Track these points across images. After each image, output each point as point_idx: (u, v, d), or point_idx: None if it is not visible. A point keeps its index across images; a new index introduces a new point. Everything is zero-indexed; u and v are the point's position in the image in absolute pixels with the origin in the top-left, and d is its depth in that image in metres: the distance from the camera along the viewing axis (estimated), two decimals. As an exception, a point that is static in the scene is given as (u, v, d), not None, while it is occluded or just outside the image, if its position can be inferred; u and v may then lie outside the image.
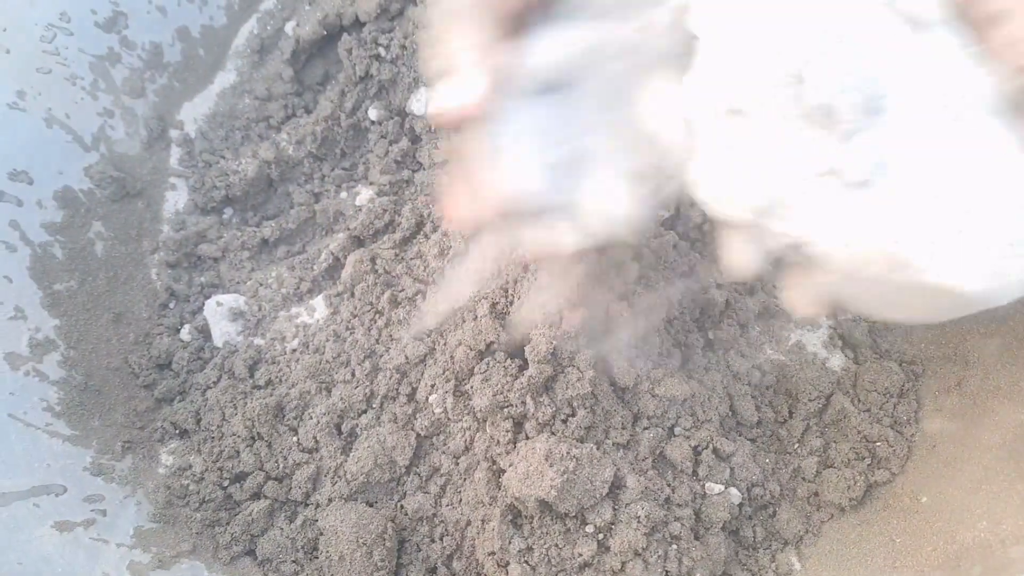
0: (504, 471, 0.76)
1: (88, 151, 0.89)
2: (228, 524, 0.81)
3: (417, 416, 0.83)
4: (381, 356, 0.87)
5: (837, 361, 0.88)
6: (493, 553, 0.75)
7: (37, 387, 0.79)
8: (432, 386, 0.82)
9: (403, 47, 0.99)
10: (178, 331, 0.92)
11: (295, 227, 1.00)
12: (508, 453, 0.77)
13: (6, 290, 0.80)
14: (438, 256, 0.88)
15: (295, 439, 0.84)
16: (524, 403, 0.77)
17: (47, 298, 0.83)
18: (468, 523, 0.80)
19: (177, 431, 0.86)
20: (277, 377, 0.88)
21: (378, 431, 0.84)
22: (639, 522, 0.73)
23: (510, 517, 0.76)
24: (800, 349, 0.89)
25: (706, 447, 0.81)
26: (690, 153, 0.54)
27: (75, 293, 0.85)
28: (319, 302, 0.94)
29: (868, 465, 0.81)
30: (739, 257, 0.55)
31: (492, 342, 0.80)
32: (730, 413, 0.85)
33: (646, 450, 0.79)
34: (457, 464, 0.82)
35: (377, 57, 0.99)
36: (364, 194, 0.98)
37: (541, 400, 0.77)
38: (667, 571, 0.72)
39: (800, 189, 0.49)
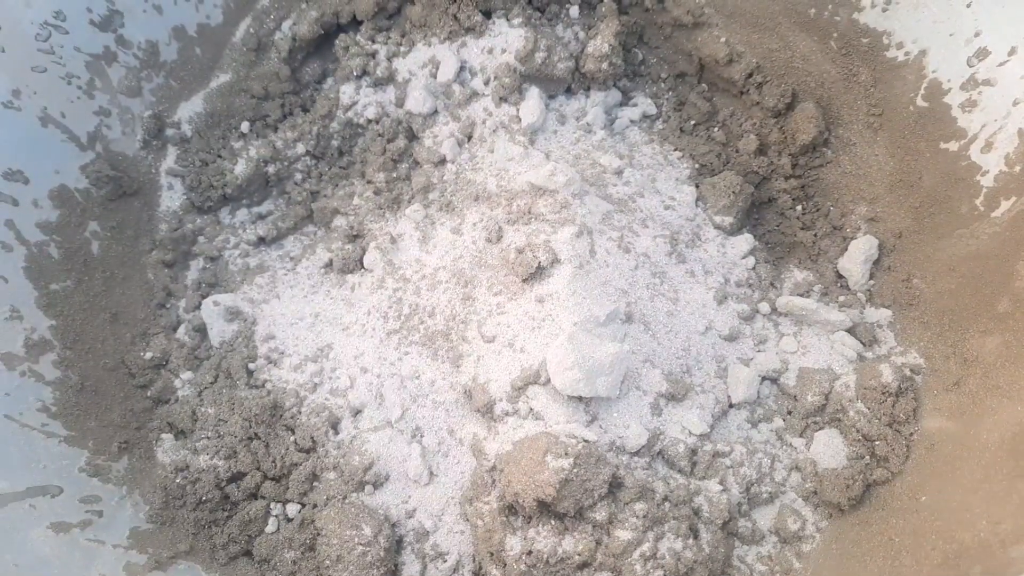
0: (502, 469, 0.76)
1: (84, 150, 0.89)
2: (225, 524, 0.81)
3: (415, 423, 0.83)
4: (381, 358, 0.87)
5: (837, 359, 0.87)
6: (492, 553, 0.75)
7: (33, 388, 0.79)
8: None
9: (400, 45, 0.98)
10: (175, 331, 0.92)
11: (292, 225, 1.00)
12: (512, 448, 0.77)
13: (2, 290, 0.79)
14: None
15: (292, 439, 0.83)
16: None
17: (43, 298, 0.82)
18: (466, 520, 0.79)
19: (174, 431, 0.86)
20: (274, 377, 0.88)
21: (375, 432, 0.83)
22: (637, 521, 0.73)
23: (508, 516, 0.76)
24: (800, 347, 0.89)
25: (704, 446, 0.81)
26: None
27: (71, 293, 0.85)
28: (318, 301, 0.93)
29: (867, 464, 0.81)
30: None
31: None
32: (729, 411, 0.85)
33: (645, 449, 0.79)
34: (457, 463, 0.81)
35: (374, 55, 0.99)
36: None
37: None
38: (665, 570, 0.72)
39: None
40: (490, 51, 0.96)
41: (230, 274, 0.96)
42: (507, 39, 0.96)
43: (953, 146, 0.87)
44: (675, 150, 1.01)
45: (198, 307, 0.92)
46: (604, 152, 0.96)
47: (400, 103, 0.98)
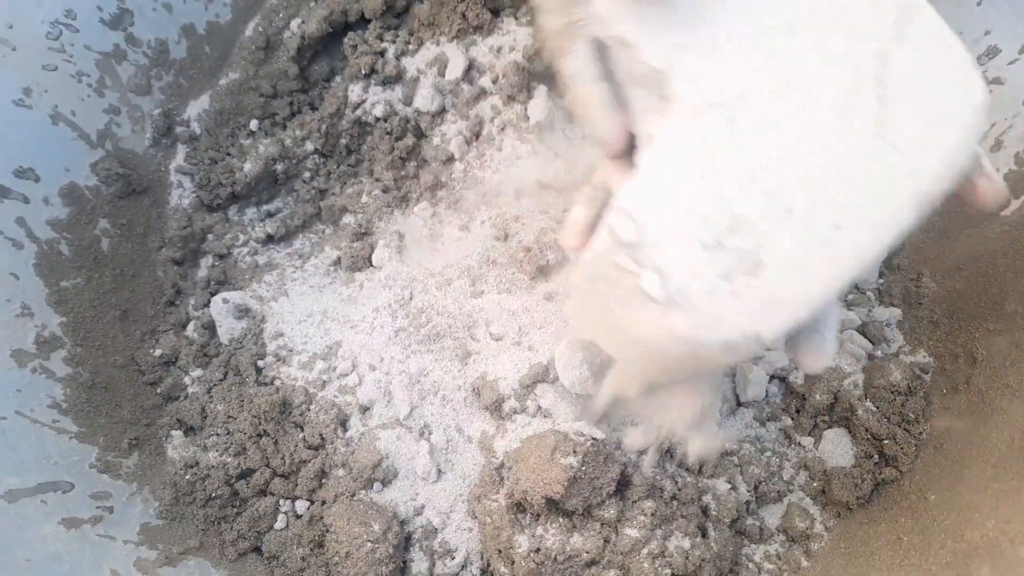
0: (510, 466, 0.76)
1: (94, 148, 0.89)
2: (234, 521, 0.81)
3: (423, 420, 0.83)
4: (389, 356, 0.87)
5: (846, 358, 0.87)
6: (500, 550, 0.75)
7: (44, 384, 0.79)
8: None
9: (408, 43, 0.99)
10: (184, 328, 0.92)
11: (301, 223, 1.00)
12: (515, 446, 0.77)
13: (13, 287, 0.80)
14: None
15: (301, 436, 0.84)
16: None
17: (53, 295, 0.83)
18: (474, 517, 0.80)
19: (183, 428, 0.86)
20: (283, 374, 0.88)
21: (383, 429, 0.84)
22: (646, 519, 0.73)
23: (517, 514, 0.76)
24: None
25: (713, 445, 0.81)
26: None
27: (81, 290, 0.85)
28: (326, 298, 0.94)
29: (875, 463, 0.81)
30: None
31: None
32: (737, 409, 0.85)
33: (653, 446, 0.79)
34: (465, 460, 0.82)
35: (382, 54, 0.99)
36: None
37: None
38: (673, 568, 0.72)
39: None
40: (498, 49, 0.96)
41: (239, 272, 0.96)
42: (515, 37, 0.96)
43: (962, 145, 0.87)
44: (683, 148, 1.01)
45: (207, 304, 0.93)
46: (612, 150, 0.96)
47: (408, 101, 0.98)
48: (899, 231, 0.51)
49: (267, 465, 0.83)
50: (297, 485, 0.82)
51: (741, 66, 0.54)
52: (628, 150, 0.59)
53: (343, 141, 1.01)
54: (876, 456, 0.81)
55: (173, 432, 0.86)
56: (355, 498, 0.80)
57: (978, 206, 0.59)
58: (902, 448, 0.80)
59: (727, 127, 0.52)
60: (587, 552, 0.72)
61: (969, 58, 0.54)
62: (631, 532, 0.72)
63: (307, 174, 1.01)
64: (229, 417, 0.84)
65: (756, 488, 0.81)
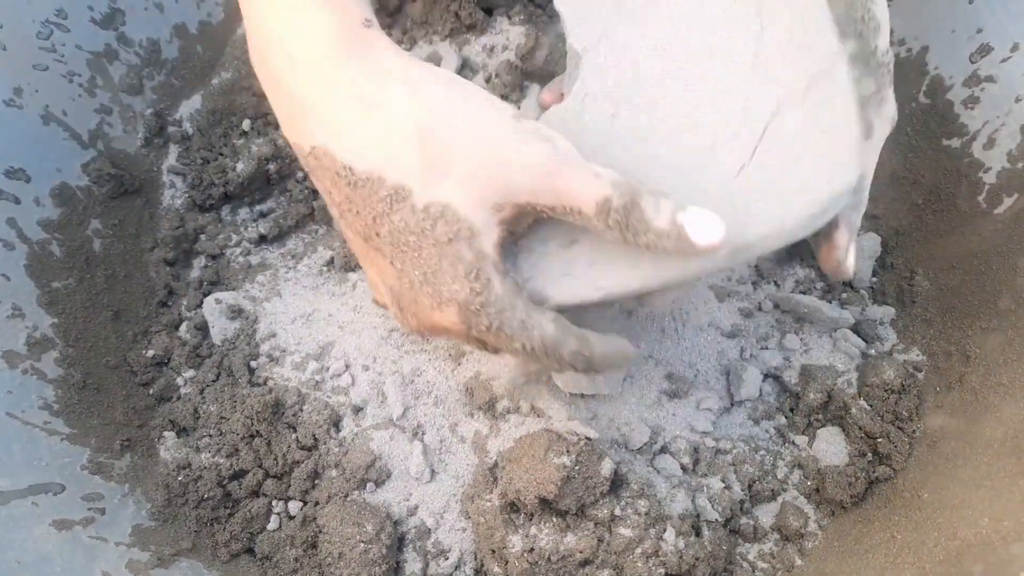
0: (503, 466, 0.76)
1: (86, 148, 0.89)
2: (227, 522, 0.81)
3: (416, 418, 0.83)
4: (382, 356, 0.87)
5: (839, 357, 0.87)
6: (493, 550, 0.75)
7: (35, 385, 0.79)
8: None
9: (401, 42, 0.98)
10: (177, 328, 0.92)
11: (294, 223, 0.99)
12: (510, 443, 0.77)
13: (3, 288, 0.79)
14: None
15: (294, 437, 0.83)
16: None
17: (45, 296, 0.82)
18: (468, 517, 0.79)
19: (175, 429, 0.86)
20: (276, 375, 0.88)
21: (376, 430, 0.83)
22: (639, 518, 0.73)
23: (510, 514, 0.76)
24: (802, 345, 0.89)
25: (706, 443, 0.81)
26: None
27: (73, 291, 0.85)
28: (319, 299, 0.93)
29: (869, 461, 0.81)
30: None
31: None
32: (731, 408, 0.85)
33: (647, 446, 0.79)
34: (458, 460, 0.81)
35: (375, 53, 0.98)
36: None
37: None
38: (667, 568, 0.72)
39: None
40: (491, 49, 0.96)
41: (232, 272, 0.96)
42: (508, 36, 0.96)
43: (955, 143, 0.87)
44: (676, 147, 1.01)
45: (200, 305, 0.92)
46: (605, 149, 0.96)
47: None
48: (707, 268, 0.53)
49: (260, 466, 0.82)
50: (290, 486, 0.82)
51: (644, 70, 0.56)
52: None
53: (336, 141, 1.01)
54: (870, 454, 0.81)
55: (165, 433, 0.86)
56: (348, 499, 0.80)
57: (822, 267, 0.63)
58: (896, 446, 0.80)
59: (607, 122, 0.55)
60: (581, 552, 0.72)
61: (858, 141, 0.56)
62: (625, 531, 0.72)
63: (300, 174, 1.00)
64: (222, 418, 0.84)
65: (750, 487, 0.81)
